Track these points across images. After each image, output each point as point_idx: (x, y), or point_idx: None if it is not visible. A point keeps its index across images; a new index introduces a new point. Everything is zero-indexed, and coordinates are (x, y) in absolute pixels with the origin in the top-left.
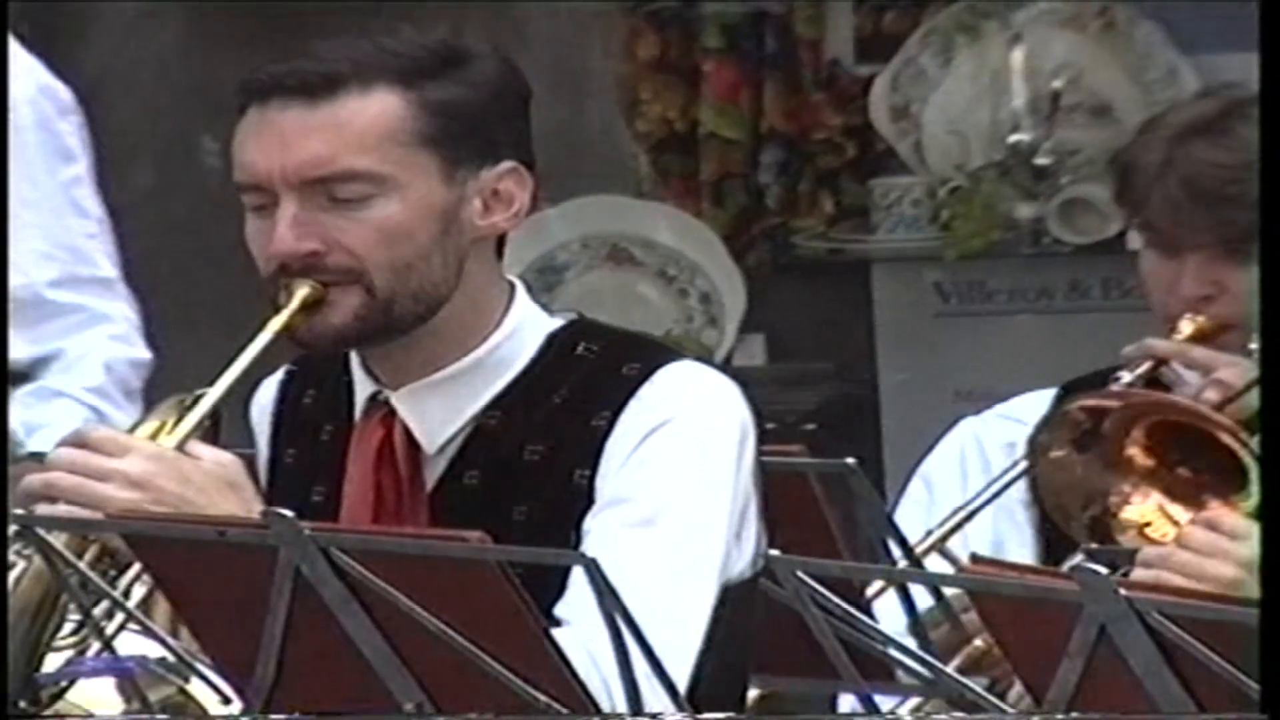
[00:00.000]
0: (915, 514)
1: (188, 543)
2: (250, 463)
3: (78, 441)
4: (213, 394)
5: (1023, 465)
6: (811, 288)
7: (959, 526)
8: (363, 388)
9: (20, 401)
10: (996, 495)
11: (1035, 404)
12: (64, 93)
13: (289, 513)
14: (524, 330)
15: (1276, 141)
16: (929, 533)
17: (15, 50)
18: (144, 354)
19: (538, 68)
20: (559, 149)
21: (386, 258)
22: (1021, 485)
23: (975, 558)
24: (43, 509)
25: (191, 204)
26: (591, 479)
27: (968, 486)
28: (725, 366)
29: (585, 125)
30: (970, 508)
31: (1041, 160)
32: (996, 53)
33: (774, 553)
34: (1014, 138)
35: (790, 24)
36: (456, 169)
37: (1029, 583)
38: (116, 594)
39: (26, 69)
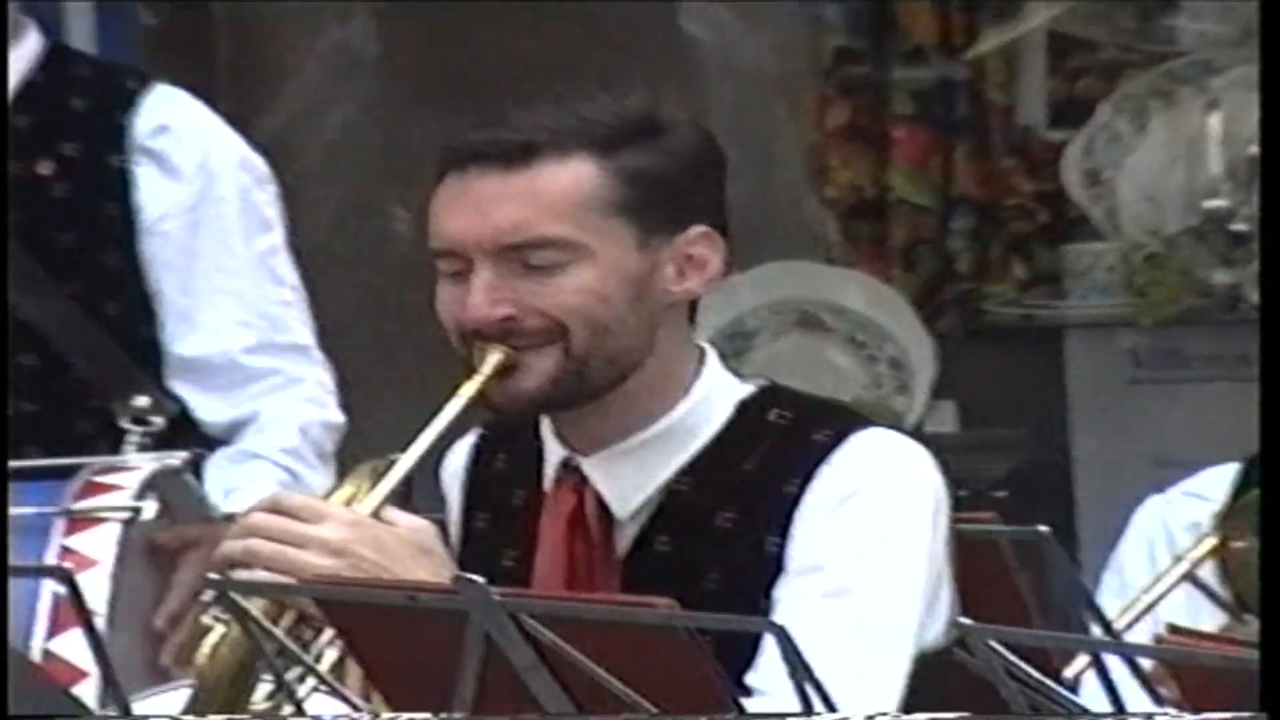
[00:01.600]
0: (1112, 605)
1: (380, 608)
2: (443, 527)
3: (275, 507)
4: (406, 460)
5: (1209, 546)
6: (1003, 354)
7: (1151, 606)
8: (554, 453)
9: (217, 464)
10: (1185, 578)
11: (1220, 480)
12: (261, 164)
13: (479, 578)
14: (715, 396)
15: (1277, 141)
16: (1123, 611)
17: (216, 123)
18: (338, 417)
19: (725, 134)
20: (748, 214)
21: (580, 325)
22: (1211, 563)
23: (1173, 628)
24: (240, 574)
25: (384, 269)
26: (783, 546)
27: (1156, 572)
28: (916, 433)
29: (774, 191)
30: (1159, 590)
31: (1238, 226)
32: (1193, 118)
33: (967, 621)
34: (1210, 203)
35: (981, 90)
36: (651, 235)
37: (1228, 653)
38: (310, 659)
39: (226, 141)
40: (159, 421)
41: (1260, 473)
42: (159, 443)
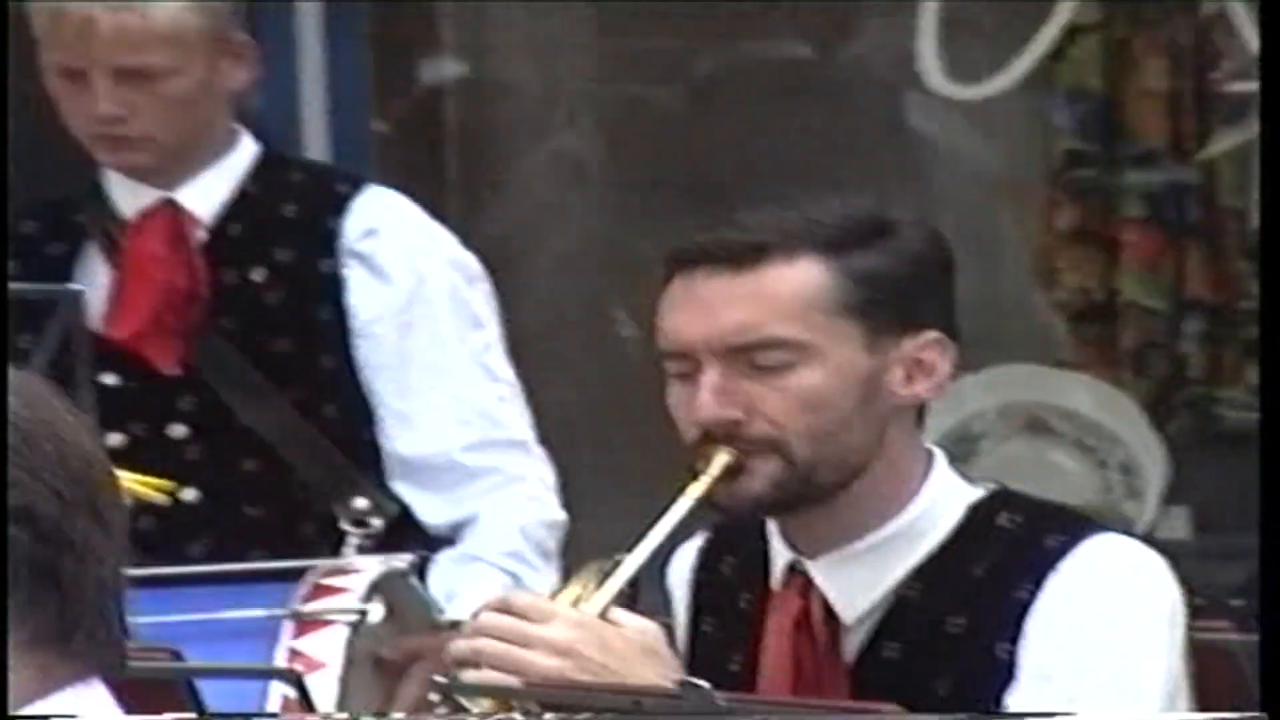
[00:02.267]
0: None
1: (605, 711)
2: (668, 630)
3: (503, 607)
4: (633, 560)
5: None
6: (1237, 458)
7: None
8: (780, 556)
9: (440, 567)
10: None
11: None
12: (473, 263)
13: (704, 683)
14: (944, 499)
15: (1277, 141)
16: None
17: (424, 223)
18: (559, 515)
19: (954, 235)
20: (976, 316)
21: (807, 426)
22: None
23: None
24: (468, 674)
25: (608, 370)
26: (1014, 653)
27: None
28: (1149, 539)
29: (1002, 293)
30: None
31: None
32: None
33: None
34: None
35: (1213, 192)
36: (879, 337)
37: None
38: None
39: (435, 241)
40: (378, 524)
41: (1260, 472)
42: (381, 544)
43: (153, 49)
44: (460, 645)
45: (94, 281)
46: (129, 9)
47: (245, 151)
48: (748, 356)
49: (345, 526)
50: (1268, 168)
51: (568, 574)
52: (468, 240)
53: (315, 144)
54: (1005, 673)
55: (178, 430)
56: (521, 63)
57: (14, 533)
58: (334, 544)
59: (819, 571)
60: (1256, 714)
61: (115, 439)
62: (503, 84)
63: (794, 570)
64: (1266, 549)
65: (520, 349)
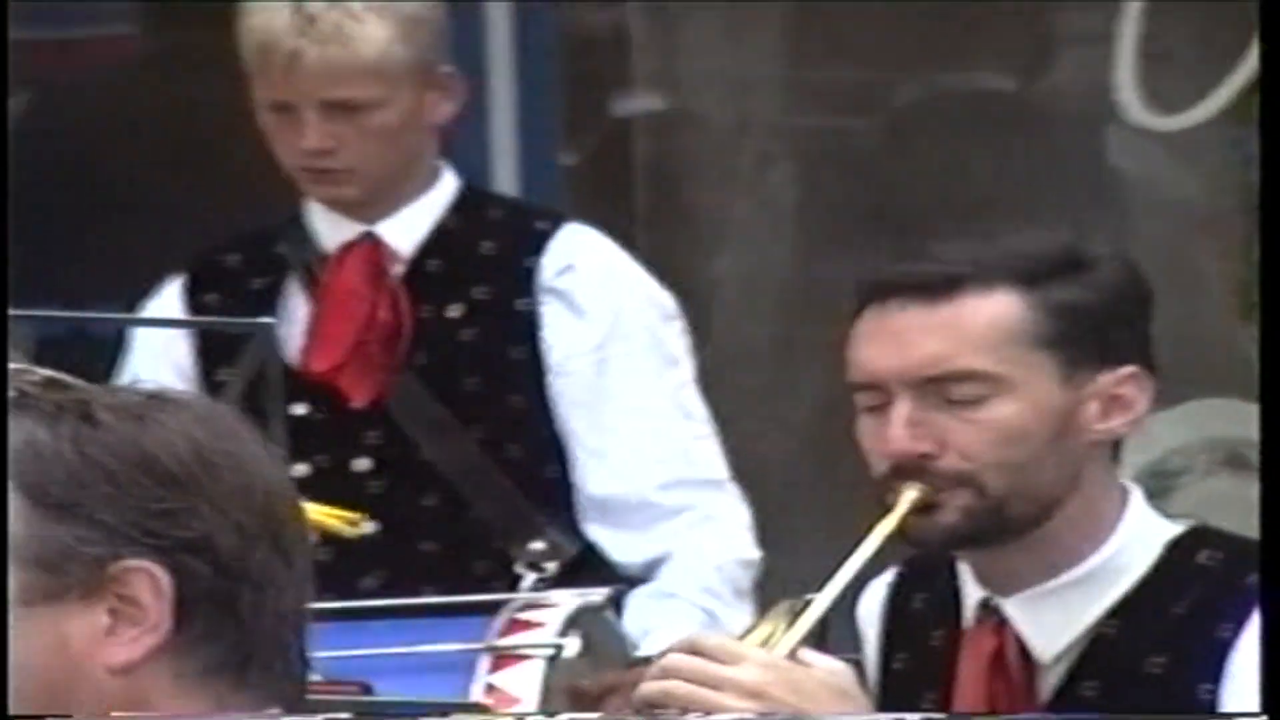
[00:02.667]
0: None
1: None
2: (859, 668)
3: (692, 648)
4: (823, 600)
5: None
6: None
7: None
8: (973, 593)
9: (636, 602)
10: None
11: None
12: (668, 301)
13: None
14: (1142, 536)
15: (1277, 142)
16: None
17: (622, 260)
18: (753, 553)
19: (1152, 268)
20: (1175, 350)
21: (1000, 460)
22: None
23: None
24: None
25: (800, 405)
26: (1216, 693)
27: None
28: None
29: (1202, 327)
30: None
31: None
32: None
33: None
34: None
35: None
36: (1075, 371)
37: None
38: None
39: (633, 279)
40: (552, 567)
41: (1260, 471)
42: (570, 580)
43: (359, 82)
44: (650, 687)
45: (293, 314)
46: (336, 42)
47: (447, 186)
48: (940, 389)
49: (519, 569)
50: (1268, 168)
51: (762, 611)
52: (657, 274)
53: (504, 176)
54: (1208, 714)
55: (361, 463)
56: (712, 95)
57: (193, 563)
58: (508, 584)
59: (1013, 609)
60: (1257, 714)
61: (300, 469)
62: (693, 117)
63: (987, 608)
64: (1266, 548)
65: (710, 383)
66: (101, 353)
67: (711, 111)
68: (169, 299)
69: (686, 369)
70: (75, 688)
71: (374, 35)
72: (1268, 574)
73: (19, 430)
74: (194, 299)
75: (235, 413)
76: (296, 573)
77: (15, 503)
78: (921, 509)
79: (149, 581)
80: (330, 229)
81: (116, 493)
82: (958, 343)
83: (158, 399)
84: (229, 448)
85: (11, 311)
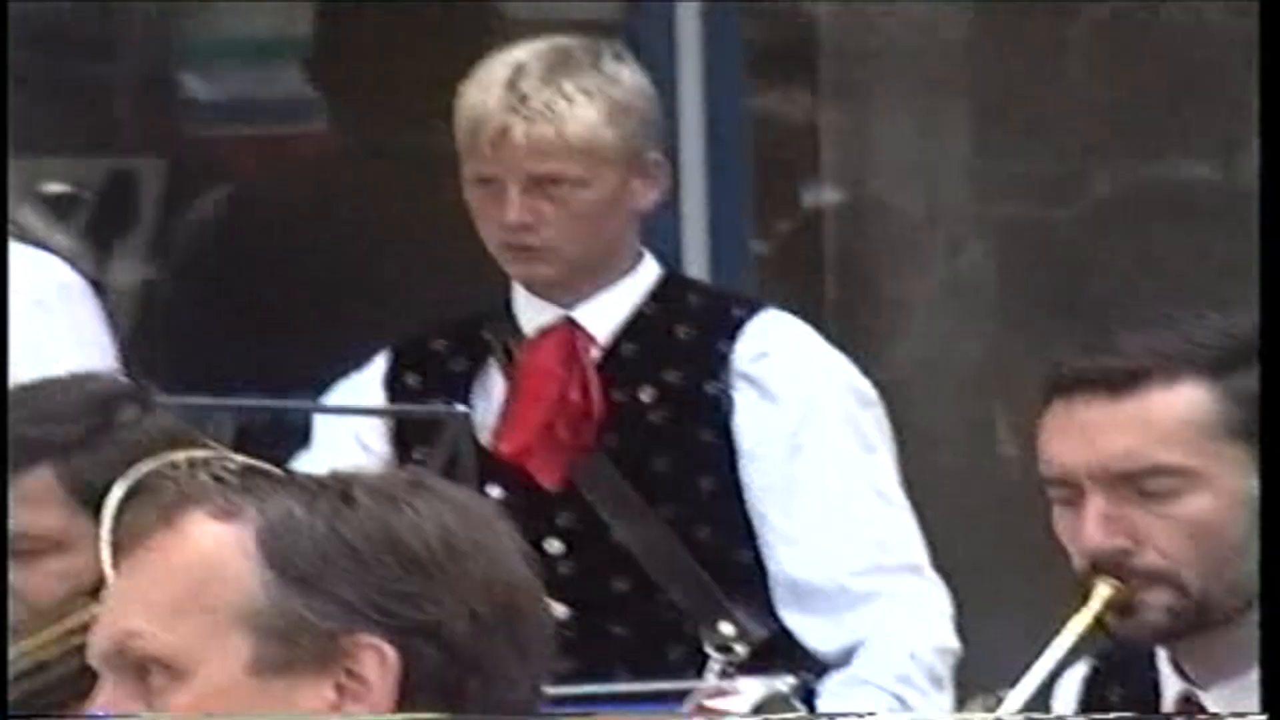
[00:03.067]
0: None
1: None
2: None
3: None
4: (1018, 696)
5: None
6: None
7: None
8: (1171, 685)
9: (829, 690)
10: None
11: None
12: (865, 386)
13: None
14: None
15: (1277, 141)
16: None
17: (818, 347)
18: (951, 642)
19: None
20: None
21: (1199, 555)
22: None
23: None
24: None
25: (993, 492)
26: None
27: None
28: None
29: None
30: None
31: None
32: None
33: None
34: None
35: None
36: None
37: None
38: None
39: (829, 365)
40: (742, 651)
41: (1260, 464)
42: (758, 664)
43: (565, 159)
44: None
45: (491, 396)
46: (545, 120)
47: (647, 272)
48: (1133, 484)
49: (709, 651)
50: (1268, 167)
51: (958, 701)
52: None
53: (696, 262)
54: None
55: (553, 545)
56: (902, 185)
57: (424, 647)
58: (698, 668)
59: (1214, 703)
60: (1257, 714)
61: None
62: (883, 206)
63: (1188, 701)
64: (1266, 548)
65: (901, 468)
66: (300, 440)
67: (901, 200)
68: (370, 379)
69: (885, 455)
70: None
71: (583, 116)
72: (1268, 573)
73: (277, 505)
74: (395, 381)
75: (494, 505)
76: (531, 668)
77: (261, 573)
78: (1121, 605)
79: (378, 659)
80: (531, 313)
81: (359, 570)
82: (1146, 437)
83: (417, 484)
84: (477, 537)
85: (210, 400)
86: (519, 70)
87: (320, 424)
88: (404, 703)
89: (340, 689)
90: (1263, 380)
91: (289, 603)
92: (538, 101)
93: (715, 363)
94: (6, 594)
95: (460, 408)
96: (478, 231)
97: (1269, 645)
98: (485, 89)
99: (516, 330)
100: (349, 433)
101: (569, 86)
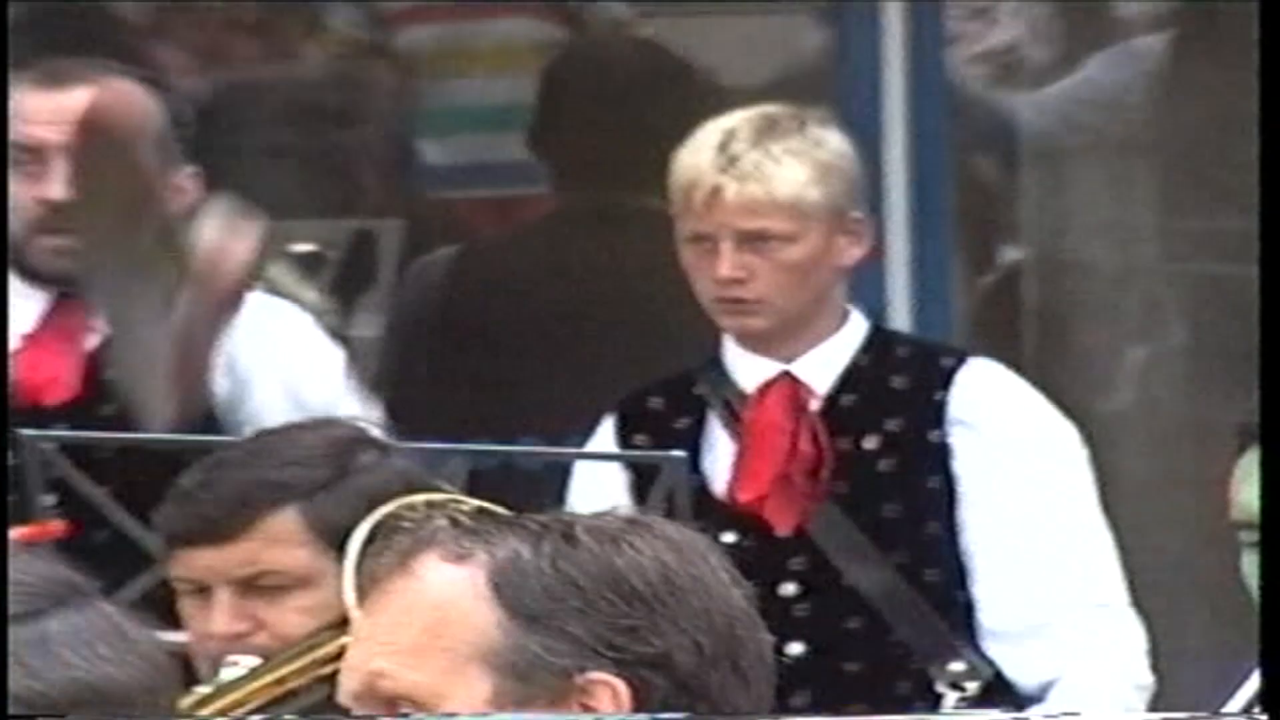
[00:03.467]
0: None
1: None
2: None
3: None
4: None
5: None
6: None
7: None
8: None
9: None
10: None
11: None
12: (1072, 432)
13: None
14: None
15: (1277, 141)
16: None
17: (1026, 395)
18: (1147, 679)
19: None
20: None
21: None
22: None
23: None
24: None
25: (1180, 535)
26: None
27: None
28: None
29: None
30: None
31: None
32: None
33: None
34: None
35: None
36: None
37: None
38: None
39: (1038, 412)
40: (973, 687)
41: (1260, 468)
42: (989, 702)
43: (774, 216)
44: None
45: (717, 449)
46: (754, 180)
47: (857, 327)
48: None
49: (941, 689)
50: (1268, 168)
51: None
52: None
53: (899, 316)
54: None
55: (788, 588)
56: (1097, 243)
57: (653, 678)
58: (930, 704)
59: None
60: (1257, 714)
61: None
62: (1079, 264)
63: None
64: (1266, 548)
65: (1107, 506)
66: (528, 485)
67: (1097, 258)
68: (604, 436)
69: (1089, 498)
70: None
71: (790, 176)
72: (1268, 573)
73: (505, 547)
74: (624, 438)
75: (709, 542)
76: (754, 694)
77: (494, 614)
78: None
79: (610, 694)
80: (748, 369)
81: (585, 608)
82: None
83: (635, 524)
84: (696, 573)
85: (444, 445)
86: (729, 135)
87: (574, 475)
88: (4, 592)
89: None
90: (1263, 380)
91: (523, 641)
92: (748, 162)
93: (932, 411)
94: (6, 594)
95: (675, 452)
96: (691, 288)
97: (1269, 645)
98: (698, 152)
99: (733, 385)
100: (597, 482)
101: (776, 149)
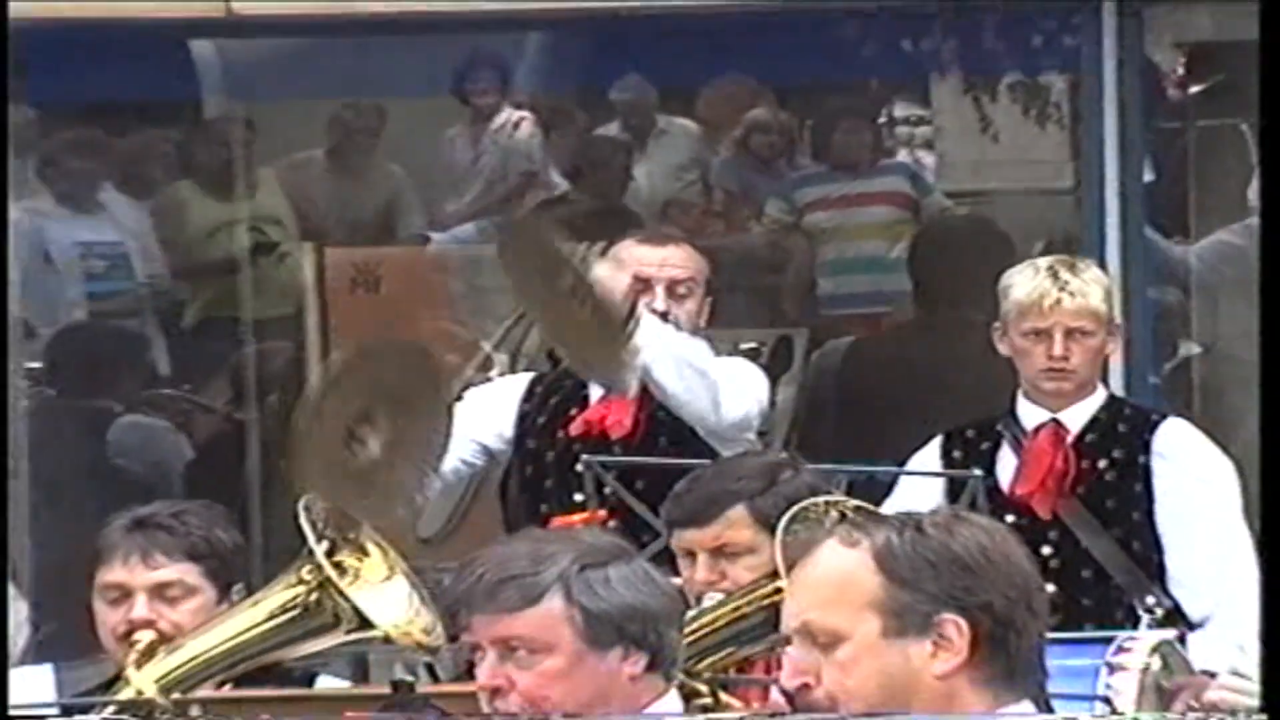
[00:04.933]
0: None
1: None
2: None
3: (1235, 673)
4: None
5: None
6: None
7: None
8: None
9: (1194, 641)
10: None
11: None
12: (1232, 469)
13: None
14: None
15: (1277, 140)
16: None
17: (1205, 441)
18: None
19: None
20: None
21: None
22: None
23: None
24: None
25: None
26: None
27: None
28: None
29: None
30: None
31: None
32: None
33: None
34: None
35: None
36: None
37: None
38: None
39: (1212, 452)
40: (1159, 612)
41: (1260, 471)
42: (1164, 621)
43: (1087, 318)
44: (1211, 694)
45: (1006, 464)
46: (1078, 294)
47: (1100, 393)
48: None
49: (1140, 613)
50: (1268, 168)
51: None
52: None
53: (1118, 388)
54: None
55: (1046, 550)
56: (1239, 343)
57: (982, 618)
58: (1133, 622)
59: None
60: (1256, 714)
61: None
62: (1233, 359)
63: None
64: (1266, 548)
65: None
66: (884, 491)
67: (1242, 351)
68: (931, 451)
69: (1237, 506)
70: (912, 687)
71: (1094, 292)
72: (1268, 573)
73: (880, 535)
74: (946, 457)
75: (1006, 527)
76: (1039, 623)
77: (878, 578)
78: None
79: (955, 628)
80: (1030, 414)
81: (935, 574)
82: None
83: (958, 517)
84: (1002, 548)
85: (833, 467)
86: (1051, 267)
87: (901, 491)
88: (973, 652)
89: (935, 645)
90: (1263, 380)
91: (897, 595)
92: (1073, 284)
93: (1142, 445)
94: (6, 597)
95: (977, 471)
96: (1013, 368)
97: (1269, 645)
98: (1035, 277)
99: (1020, 424)
100: (920, 492)
101: (1086, 275)
